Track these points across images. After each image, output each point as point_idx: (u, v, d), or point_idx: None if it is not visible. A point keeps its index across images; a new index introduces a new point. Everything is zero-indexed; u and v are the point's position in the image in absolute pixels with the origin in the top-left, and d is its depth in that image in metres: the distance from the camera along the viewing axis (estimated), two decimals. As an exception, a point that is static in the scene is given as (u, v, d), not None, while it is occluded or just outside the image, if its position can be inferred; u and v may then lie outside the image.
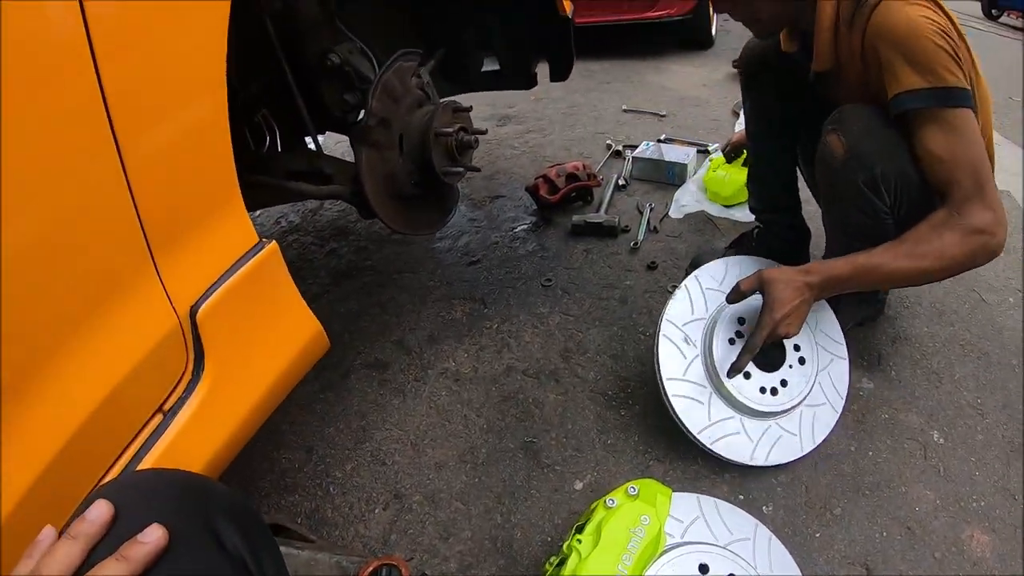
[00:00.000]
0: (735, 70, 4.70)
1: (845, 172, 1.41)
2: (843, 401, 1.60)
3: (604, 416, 1.64)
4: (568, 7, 2.21)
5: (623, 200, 2.77)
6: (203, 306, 0.93)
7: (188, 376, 0.95)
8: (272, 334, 1.05)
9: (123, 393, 0.85)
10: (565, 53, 2.30)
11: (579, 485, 1.47)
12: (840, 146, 1.42)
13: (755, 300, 1.46)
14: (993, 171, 1.51)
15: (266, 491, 1.53)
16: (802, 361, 1.55)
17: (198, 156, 0.92)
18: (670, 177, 2.84)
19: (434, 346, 1.96)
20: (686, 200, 2.63)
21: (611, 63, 5.38)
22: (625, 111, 4.04)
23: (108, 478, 0.86)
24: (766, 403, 1.49)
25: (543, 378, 1.78)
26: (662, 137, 3.38)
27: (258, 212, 2.98)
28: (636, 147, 3.08)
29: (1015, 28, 9.92)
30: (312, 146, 1.76)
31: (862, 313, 1.82)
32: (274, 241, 1.03)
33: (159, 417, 0.92)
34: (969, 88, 1.29)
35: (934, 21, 1.28)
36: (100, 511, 0.60)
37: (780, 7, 1.47)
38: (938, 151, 1.30)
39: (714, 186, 2.58)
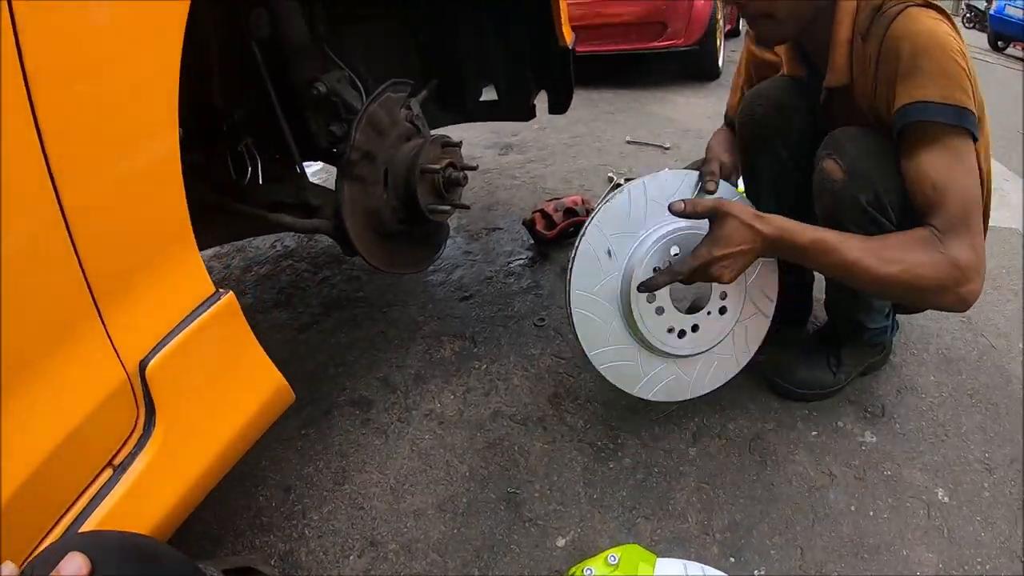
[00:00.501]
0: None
1: (847, 194, 1.34)
2: (749, 358, 1.59)
3: (591, 468, 1.57)
4: (569, 37, 2.16)
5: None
6: (153, 360, 0.88)
7: (139, 431, 0.90)
8: (230, 389, 1.00)
9: (68, 449, 0.80)
10: (564, 86, 2.25)
11: (561, 542, 1.39)
12: (838, 170, 1.36)
13: (698, 230, 1.36)
14: (989, 203, 1.45)
15: (241, 529, 1.47)
16: (723, 311, 1.50)
17: (147, 201, 0.87)
18: (671, 213, 2.77)
19: (420, 385, 1.90)
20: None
21: (616, 92, 5.36)
22: (629, 142, 4.00)
23: (56, 533, 0.81)
24: (670, 344, 1.47)
25: (530, 425, 1.71)
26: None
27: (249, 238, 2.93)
28: (638, 180, 3.03)
29: (1022, 60, 9.92)
30: (304, 175, 1.71)
31: (868, 360, 1.76)
32: (231, 292, 0.98)
33: (109, 471, 0.88)
34: (977, 116, 1.23)
35: (955, 39, 1.23)
36: (76, 564, 0.56)
37: (800, 6, 1.36)
38: (934, 174, 1.23)
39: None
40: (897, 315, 1.81)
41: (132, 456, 0.89)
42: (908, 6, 1.26)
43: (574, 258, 1.42)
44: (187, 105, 1.66)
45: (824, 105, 1.49)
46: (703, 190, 1.37)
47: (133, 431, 0.90)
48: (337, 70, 1.58)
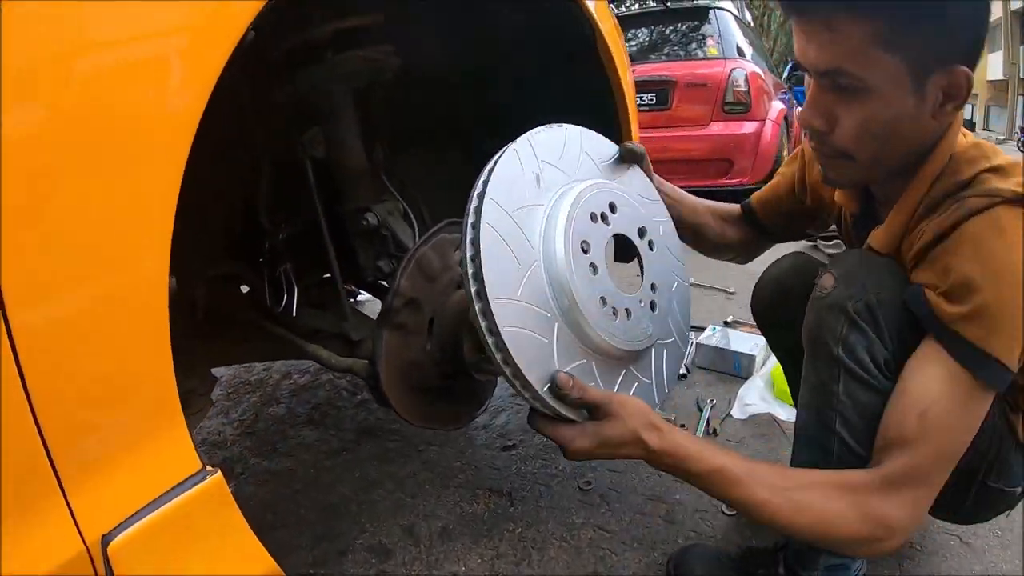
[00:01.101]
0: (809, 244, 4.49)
1: (834, 302, 1.11)
2: (665, 394, 1.29)
3: (625, 674, 1.35)
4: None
5: (681, 392, 2.51)
6: (118, 538, 0.75)
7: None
8: (210, 572, 0.85)
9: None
10: None
11: None
12: (830, 279, 1.14)
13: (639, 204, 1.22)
14: None
15: None
16: (653, 306, 1.22)
17: (125, 372, 0.76)
18: (736, 369, 2.61)
19: (446, 542, 1.72)
20: (752, 398, 2.37)
21: (683, 230, 5.26)
22: (692, 285, 3.83)
23: None
24: (602, 325, 1.09)
25: (562, 610, 1.51)
26: (728, 319, 3.17)
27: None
28: (700, 330, 2.88)
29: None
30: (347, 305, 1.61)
31: None
32: (219, 472, 0.84)
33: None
34: (1014, 376, 1.01)
35: None
36: None
37: (888, 151, 1.10)
38: (925, 403, 1.01)
39: (782, 382, 2.32)
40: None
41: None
42: (998, 202, 1.00)
43: (497, 161, 1.08)
44: (230, 213, 1.61)
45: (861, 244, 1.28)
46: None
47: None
48: (392, 200, 1.49)
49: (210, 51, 0.79)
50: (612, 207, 1.17)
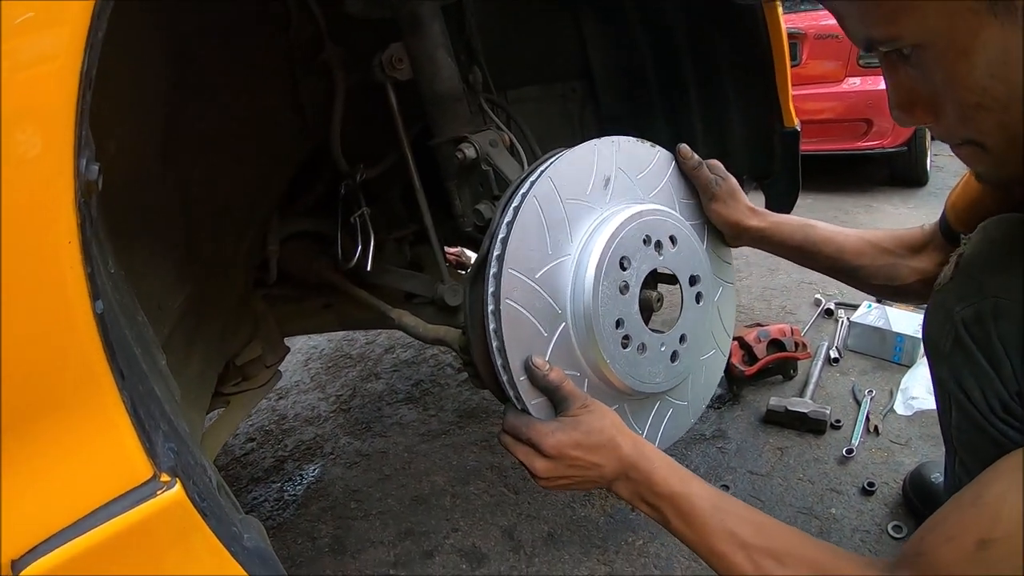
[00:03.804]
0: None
1: (942, 302, 0.89)
2: (704, 406, 1.26)
3: None
4: (795, 118, 1.71)
5: (834, 379, 2.14)
6: (35, 563, 0.51)
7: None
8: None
9: None
10: (789, 175, 1.77)
11: None
12: (953, 266, 0.90)
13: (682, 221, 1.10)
14: None
15: None
16: (674, 357, 1.12)
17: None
18: (896, 354, 2.23)
19: (551, 550, 1.49)
20: (917, 391, 2.00)
21: (815, 198, 4.83)
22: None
23: None
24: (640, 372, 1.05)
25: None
26: (883, 297, 2.76)
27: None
28: (852, 307, 2.50)
29: None
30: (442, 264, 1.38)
31: None
32: (179, 483, 0.56)
33: None
34: None
35: None
36: None
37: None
38: (998, 531, 0.69)
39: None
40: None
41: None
42: None
43: (515, 216, 0.97)
44: (298, 158, 1.38)
45: None
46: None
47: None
48: (494, 130, 1.20)
49: None
50: (647, 240, 1.05)
